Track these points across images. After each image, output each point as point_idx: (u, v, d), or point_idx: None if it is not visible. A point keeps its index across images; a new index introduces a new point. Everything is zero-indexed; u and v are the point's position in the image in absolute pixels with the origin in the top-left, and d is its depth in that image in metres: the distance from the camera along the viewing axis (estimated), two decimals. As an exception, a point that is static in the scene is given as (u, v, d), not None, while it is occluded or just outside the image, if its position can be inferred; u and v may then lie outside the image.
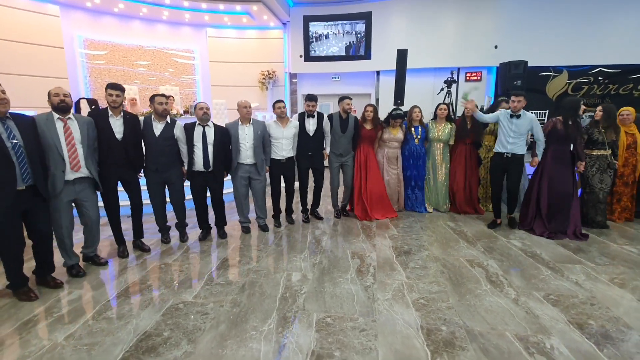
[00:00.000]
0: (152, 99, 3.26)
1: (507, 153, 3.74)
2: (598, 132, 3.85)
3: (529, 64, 6.92)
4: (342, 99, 4.08)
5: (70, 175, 2.71)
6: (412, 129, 4.41)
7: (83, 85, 6.82)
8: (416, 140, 4.39)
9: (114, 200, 3.14)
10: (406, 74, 6.03)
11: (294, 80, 8.53)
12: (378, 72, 7.96)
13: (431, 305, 2.34)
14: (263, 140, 3.74)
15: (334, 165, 4.22)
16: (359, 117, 4.27)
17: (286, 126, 3.81)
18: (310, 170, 4.13)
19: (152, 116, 3.30)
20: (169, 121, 3.34)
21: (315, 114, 3.95)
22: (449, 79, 6.86)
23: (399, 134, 4.37)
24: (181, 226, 3.65)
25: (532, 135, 3.78)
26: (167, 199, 3.54)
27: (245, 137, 3.59)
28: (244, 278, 2.79)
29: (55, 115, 2.64)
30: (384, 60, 7.53)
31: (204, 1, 6.73)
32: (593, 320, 2.16)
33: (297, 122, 3.93)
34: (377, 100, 8.02)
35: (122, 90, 3.04)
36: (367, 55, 7.87)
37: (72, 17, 6.58)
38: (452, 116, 4.64)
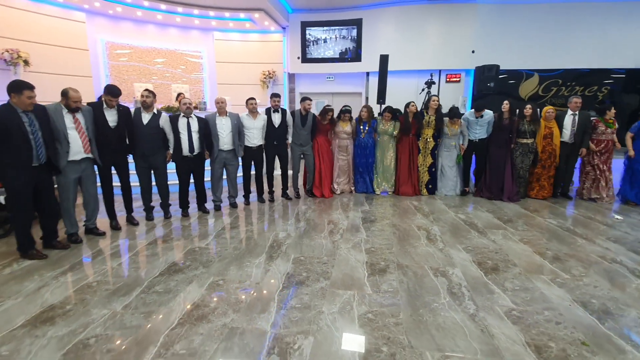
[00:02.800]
0: (141, 94, 3.84)
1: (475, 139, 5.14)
2: (525, 125, 4.94)
3: (504, 68, 7.71)
4: (303, 99, 4.93)
5: (77, 156, 3.26)
6: (362, 124, 5.30)
7: (105, 82, 7.69)
8: (363, 134, 5.29)
9: (109, 178, 3.73)
10: (390, 75, 6.84)
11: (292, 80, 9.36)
12: (368, 73, 8.77)
13: (378, 251, 3.21)
14: (238, 130, 4.45)
15: (296, 154, 5.07)
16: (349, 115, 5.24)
17: (256, 118, 4.59)
18: (277, 157, 4.93)
19: (141, 108, 3.87)
20: (155, 112, 3.92)
21: (279, 109, 4.75)
22: (429, 80, 7.68)
23: (347, 127, 5.26)
24: (165, 205, 4.20)
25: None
26: (153, 183, 4.10)
27: (223, 126, 4.30)
28: (242, 235, 3.67)
29: (64, 110, 3.18)
30: (373, 63, 8.32)
31: (212, 10, 7.57)
32: (490, 260, 3.03)
33: (265, 116, 4.71)
34: (367, 98, 8.82)
35: (118, 95, 3.57)
36: (358, 58, 8.68)
37: (96, 23, 7.43)
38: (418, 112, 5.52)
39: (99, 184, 3.67)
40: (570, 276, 2.75)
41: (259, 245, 3.35)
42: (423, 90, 7.68)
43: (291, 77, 9.32)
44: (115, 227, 3.80)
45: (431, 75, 7.73)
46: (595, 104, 7.62)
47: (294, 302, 2.34)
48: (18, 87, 2.81)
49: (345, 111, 5.19)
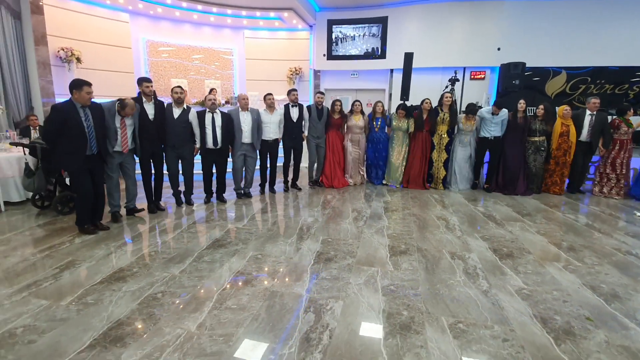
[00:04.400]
0: (139, 82, 3.97)
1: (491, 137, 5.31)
2: (537, 124, 5.11)
3: (530, 65, 7.68)
4: (316, 93, 5.26)
5: (119, 147, 3.68)
6: (375, 120, 5.52)
7: (144, 78, 8.28)
8: (376, 129, 5.52)
9: (148, 166, 4.09)
10: (414, 72, 7.00)
11: (317, 75, 9.66)
12: (392, 70, 8.93)
13: (399, 237, 3.48)
14: (257, 124, 4.74)
15: (311, 145, 5.37)
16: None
17: (273, 113, 4.90)
18: (292, 151, 5.23)
19: (172, 104, 4.19)
20: (185, 108, 4.25)
21: (297, 104, 5.05)
22: (453, 77, 7.76)
23: (360, 121, 5.50)
24: (189, 193, 4.54)
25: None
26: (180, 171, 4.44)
27: (245, 121, 4.61)
28: (274, 219, 4.03)
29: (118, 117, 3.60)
30: (397, 60, 8.48)
31: (244, 9, 7.97)
32: (505, 248, 3.24)
33: (282, 110, 5.01)
34: (390, 95, 9.01)
35: (150, 80, 3.95)
36: (383, 55, 8.86)
37: (139, 23, 8.00)
38: (437, 108, 5.64)
39: (138, 171, 4.04)
40: (582, 264, 2.93)
41: (290, 228, 3.70)
42: (447, 87, 7.78)
43: (316, 73, 9.61)
44: (152, 210, 4.17)
45: (455, 73, 7.81)
46: (623, 102, 7.49)
47: (324, 274, 2.66)
48: (79, 85, 3.18)
49: (354, 103, 5.56)
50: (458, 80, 7.78)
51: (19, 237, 3.37)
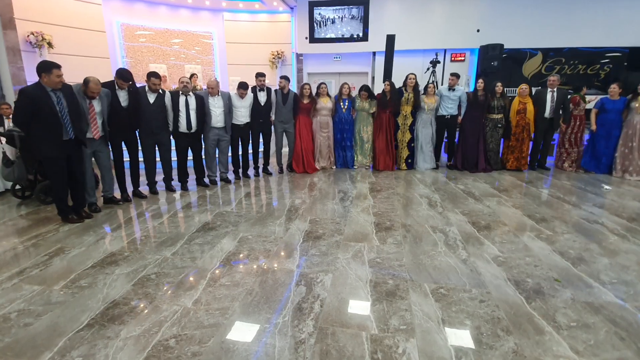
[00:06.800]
0: (148, 76, 4.04)
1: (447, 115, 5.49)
2: (495, 101, 5.35)
3: (509, 47, 7.88)
4: (280, 77, 5.19)
5: (90, 134, 3.49)
6: (341, 101, 5.59)
7: (121, 64, 8.01)
8: (344, 110, 5.60)
9: (120, 154, 3.97)
10: (396, 55, 7.07)
11: (300, 58, 9.58)
12: (374, 53, 8.96)
13: (384, 214, 3.62)
14: (229, 109, 4.67)
15: (278, 130, 5.36)
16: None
17: (244, 98, 4.86)
18: (260, 135, 5.21)
19: (146, 88, 4.04)
20: (160, 92, 4.14)
21: (265, 88, 5.02)
22: (434, 59, 7.89)
23: (328, 103, 5.54)
24: (168, 179, 4.48)
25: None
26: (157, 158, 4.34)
27: (215, 105, 4.53)
28: (262, 202, 4.10)
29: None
30: (380, 42, 8.50)
31: (223, -10, 7.77)
32: (483, 221, 3.43)
33: (252, 94, 4.96)
34: (373, 78, 9.06)
35: (129, 80, 3.81)
36: (365, 38, 8.85)
37: (111, 5, 7.68)
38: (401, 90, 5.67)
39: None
40: (552, 233, 3.15)
41: (278, 210, 3.78)
42: (428, 69, 7.90)
43: (299, 57, 9.53)
44: (126, 199, 4.04)
45: (436, 55, 7.93)
46: (595, 82, 7.82)
47: (314, 251, 2.77)
48: (47, 67, 3.01)
49: (320, 86, 5.55)
50: (439, 62, 7.91)
51: (1, 227, 3.31)
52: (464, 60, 8.54)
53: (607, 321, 1.92)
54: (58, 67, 3.09)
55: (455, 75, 5.48)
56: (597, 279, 2.38)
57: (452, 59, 8.51)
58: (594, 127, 5.34)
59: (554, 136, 5.72)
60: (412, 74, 5.50)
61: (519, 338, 1.78)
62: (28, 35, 6.19)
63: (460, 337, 1.78)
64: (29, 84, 5.99)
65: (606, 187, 4.74)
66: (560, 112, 5.42)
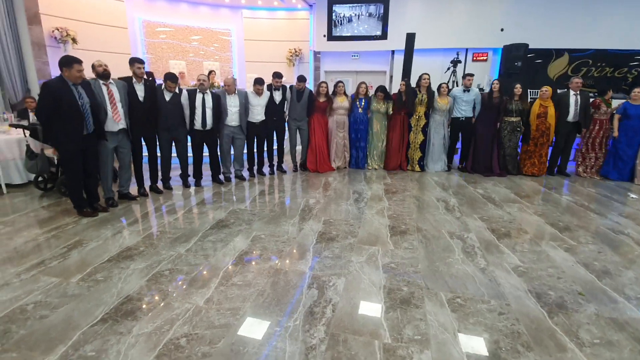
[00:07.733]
0: (164, 78, 4.05)
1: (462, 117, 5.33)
2: (514, 104, 5.11)
3: (533, 47, 7.61)
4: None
5: (114, 127, 3.54)
6: (358, 100, 5.48)
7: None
8: (360, 109, 5.48)
9: (139, 149, 3.99)
10: (416, 53, 6.92)
11: (317, 56, 9.52)
12: (393, 52, 8.81)
13: (399, 217, 3.54)
14: (245, 107, 4.67)
15: (292, 128, 5.33)
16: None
17: (262, 96, 4.84)
18: (275, 133, 5.18)
19: (163, 86, 4.07)
20: (177, 90, 4.16)
21: (280, 87, 4.99)
22: (455, 59, 7.70)
23: (344, 102, 5.44)
24: (184, 176, 4.51)
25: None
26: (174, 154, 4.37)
27: (231, 104, 4.54)
28: (275, 200, 4.08)
29: (100, 81, 3.45)
30: (399, 41, 8.35)
31: (242, -13, 7.79)
32: (503, 228, 3.31)
33: (269, 93, 4.93)
34: (391, 77, 8.92)
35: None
36: (384, 36, 8.72)
37: (134, 2, 7.81)
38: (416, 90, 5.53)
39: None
40: (577, 243, 3.01)
41: (292, 209, 3.76)
42: (448, 69, 7.72)
43: (316, 55, 9.47)
44: (142, 193, 4.08)
45: (457, 54, 7.73)
46: (622, 86, 7.47)
47: (327, 253, 2.73)
48: (69, 62, 3.07)
49: (337, 84, 5.46)
50: (460, 61, 7.72)
51: (23, 218, 3.41)
52: (486, 60, 8.30)
53: (632, 339, 1.82)
54: (79, 62, 3.14)
55: (470, 75, 5.33)
56: (622, 294, 2.26)
57: (474, 58, 8.28)
58: (616, 133, 5.07)
59: (576, 141, 5.48)
60: (426, 74, 5.37)
61: (539, 355, 1.69)
62: (53, 31, 6.36)
63: (478, 351, 1.71)
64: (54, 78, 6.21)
65: (633, 196, 4.51)
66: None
